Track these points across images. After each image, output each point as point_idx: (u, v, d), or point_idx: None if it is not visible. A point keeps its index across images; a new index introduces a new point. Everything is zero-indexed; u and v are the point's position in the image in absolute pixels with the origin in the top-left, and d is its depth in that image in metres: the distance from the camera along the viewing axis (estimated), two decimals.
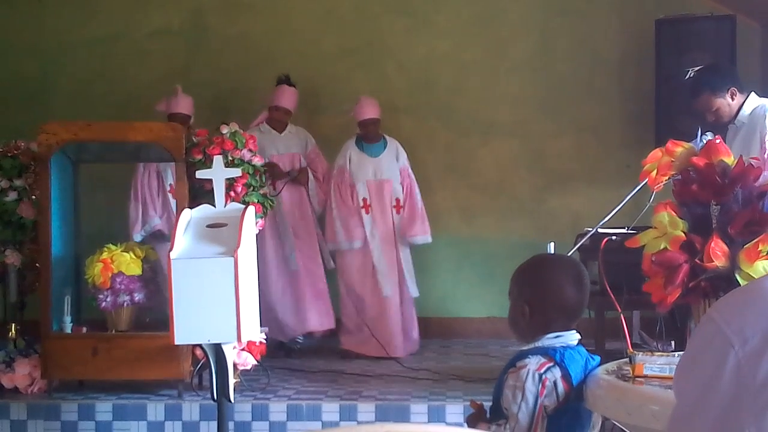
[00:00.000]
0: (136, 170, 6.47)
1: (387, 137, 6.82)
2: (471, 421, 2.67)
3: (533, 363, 2.52)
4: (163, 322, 4.30)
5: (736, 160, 2.60)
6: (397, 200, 6.71)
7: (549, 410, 2.50)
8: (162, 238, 6.16)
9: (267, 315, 5.94)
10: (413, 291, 6.70)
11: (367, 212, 6.63)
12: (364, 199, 6.64)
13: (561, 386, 2.51)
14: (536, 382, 2.49)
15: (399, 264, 6.65)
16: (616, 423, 2.73)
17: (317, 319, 6.65)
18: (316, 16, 7.63)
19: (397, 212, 6.70)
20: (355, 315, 6.56)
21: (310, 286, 6.66)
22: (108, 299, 5.18)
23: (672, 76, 6.63)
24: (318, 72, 7.49)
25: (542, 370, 2.51)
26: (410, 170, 6.81)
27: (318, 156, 6.87)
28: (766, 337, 0.97)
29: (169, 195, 6.33)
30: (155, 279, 5.40)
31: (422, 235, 6.76)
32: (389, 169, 6.72)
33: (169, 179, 6.32)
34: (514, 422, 2.48)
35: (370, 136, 6.71)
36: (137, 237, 6.23)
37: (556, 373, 2.52)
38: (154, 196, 6.44)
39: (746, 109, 4.83)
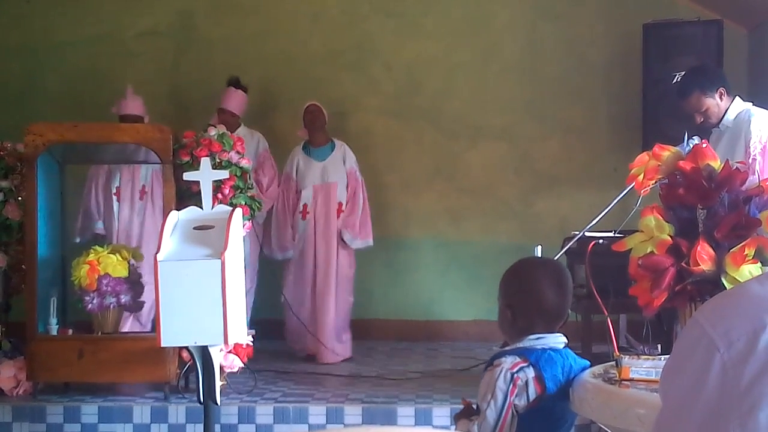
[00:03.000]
0: (88, 172, 6.46)
1: (335, 140, 6.77)
2: (457, 417, 2.72)
3: (507, 362, 2.55)
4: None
5: (722, 165, 2.61)
6: (340, 204, 6.65)
7: (519, 409, 2.52)
8: (101, 241, 6.12)
9: None
10: (347, 296, 6.63)
11: (304, 218, 6.60)
12: (305, 205, 6.61)
13: (533, 387, 2.53)
14: (507, 381, 2.51)
15: (337, 268, 6.58)
16: (602, 426, 2.73)
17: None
18: (305, 17, 7.63)
19: (338, 217, 6.64)
20: (295, 320, 6.55)
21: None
22: (94, 301, 5.15)
23: (659, 80, 6.67)
24: (305, 74, 7.49)
25: (515, 370, 2.53)
26: (358, 172, 6.75)
27: (267, 159, 6.82)
28: (751, 341, 0.97)
29: (114, 198, 6.35)
30: (141, 281, 5.39)
31: (362, 238, 6.68)
32: (335, 172, 6.67)
33: (116, 182, 6.33)
34: (482, 419, 2.50)
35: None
36: (76, 240, 6.25)
37: (529, 373, 2.53)
38: (99, 200, 6.43)
39: (731, 114, 4.84)
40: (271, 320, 6.60)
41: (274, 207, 6.70)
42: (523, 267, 2.80)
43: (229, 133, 5.52)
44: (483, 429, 2.48)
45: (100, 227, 6.42)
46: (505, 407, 2.49)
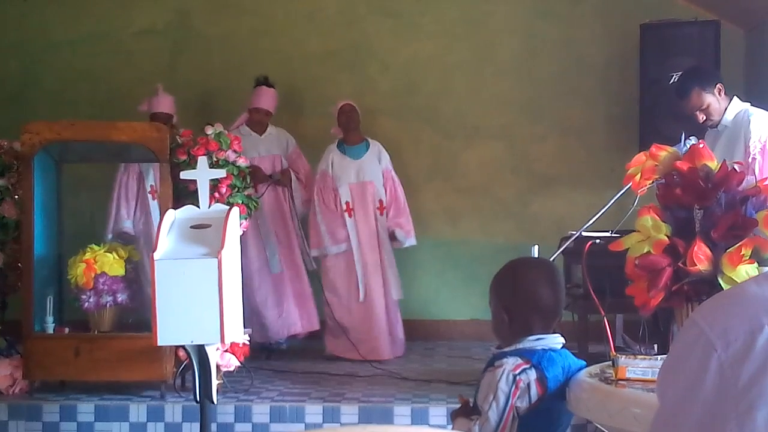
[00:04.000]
0: (117, 171, 6.45)
1: (369, 139, 6.82)
2: (453, 415, 2.71)
3: (509, 364, 2.55)
4: (146, 323, 4.28)
5: (719, 165, 2.61)
6: (380, 202, 6.70)
7: (521, 411, 2.51)
8: (130, 240, 6.11)
9: (250, 317, 5.94)
10: (396, 294, 6.69)
11: (350, 216, 6.62)
12: (347, 203, 6.63)
13: (535, 388, 2.53)
14: (510, 382, 2.51)
15: (383, 266, 6.64)
16: (599, 425, 2.74)
17: (300, 321, 6.65)
18: (301, 17, 7.62)
19: (381, 214, 6.69)
20: (333, 319, 6.55)
21: (292, 288, 6.65)
22: (91, 300, 5.16)
23: (656, 81, 6.67)
24: (302, 73, 7.49)
25: (517, 371, 2.52)
26: (393, 172, 6.81)
27: (299, 157, 6.87)
28: (748, 341, 0.97)
29: (149, 196, 6.31)
30: (138, 279, 5.38)
31: (408, 235, 6.75)
32: (371, 171, 6.71)
33: (150, 180, 6.29)
34: (484, 420, 2.50)
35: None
36: (108, 237, 6.21)
37: (531, 375, 2.53)
38: (129, 198, 6.42)
39: (729, 114, 4.85)
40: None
41: (316, 204, 6.68)
42: (517, 269, 2.79)
43: (227, 132, 5.51)
44: (485, 430, 2.48)
45: (128, 226, 6.39)
46: (507, 409, 2.49)
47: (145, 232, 6.24)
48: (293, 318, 6.62)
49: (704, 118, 4.83)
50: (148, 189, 6.34)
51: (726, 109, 4.84)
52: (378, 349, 6.47)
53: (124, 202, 6.40)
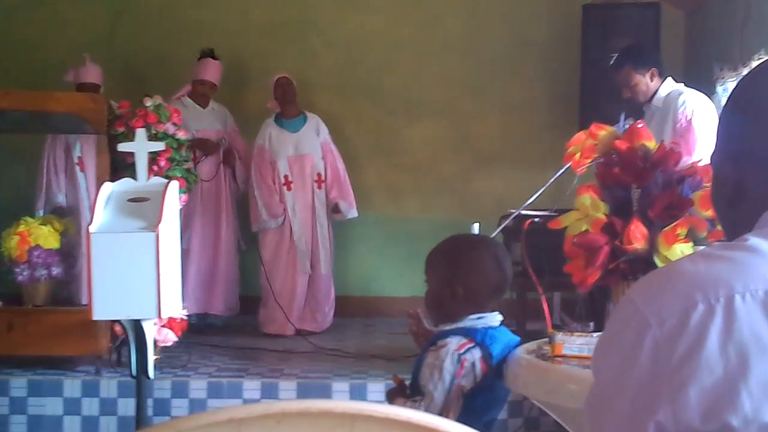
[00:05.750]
0: (44, 142, 6.24)
1: (307, 112, 6.78)
2: (390, 396, 2.68)
3: (453, 343, 2.53)
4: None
5: (657, 145, 2.64)
6: (318, 175, 6.67)
7: (465, 390, 2.52)
8: (65, 213, 5.98)
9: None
10: (324, 268, 6.65)
11: (289, 189, 6.59)
12: (286, 176, 6.59)
13: (479, 366, 2.53)
14: (455, 362, 2.50)
15: (315, 240, 6.62)
16: (535, 401, 2.76)
17: (219, 302, 6.61)
18: None
19: (319, 187, 6.67)
20: (271, 294, 6.53)
21: (212, 268, 6.60)
22: (25, 273, 5.07)
23: (597, 61, 6.72)
24: (245, 46, 7.41)
25: (462, 351, 2.52)
26: (332, 144, 6.78)
27: (238, 135, 6.85)
28: (682, 319, 0.98)
29: (77, 168, 6.14)
30: (73, 253, 5.29)
31: (351, 207, 6.76)
32: (310, 144, 6.67)
33: (78, 152, 6.13)
34: (429, 400, 2.49)
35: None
36: (39, 213, 6.05)
37: (476, 353, 2.53)
38: (59, 171, 6.24)
39: (662, 93, 4.97)
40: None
41: (254, 178, 6.61)
42: (467, 244, 2.77)
43: (166, 105, 5.42)
44: (430, 410, 2.48)
45: (62, 200, 6.23)
46: (453, 388, 2.49)
47: (73, 205, 6.11)
48: (212, 298, 6.58)
49: (629, 95, 4.95)
50: (75, 161, 6.20)
51: (658, 90, 4.95)
52: (300, 321, 6.49)
53: (53, 175, 6.24)
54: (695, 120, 4.75)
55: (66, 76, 6.33)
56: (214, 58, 6.69)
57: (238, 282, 6.76)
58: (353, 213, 6.79)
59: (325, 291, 6.71)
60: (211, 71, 6.68)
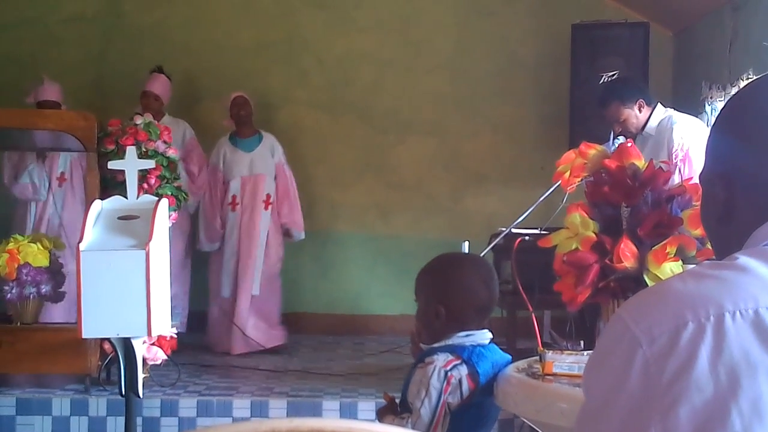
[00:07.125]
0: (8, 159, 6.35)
1: (263, 132, 6.76)
2: (380, 414, 2.68)
3: (440, 360, 2.54)
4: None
5: (646, 164, 2.65)
6: (268, 195, 6.63)
7: (453, 407, 2.51)
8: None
9: None
10: (255, 289, 6.52)
11: (234, 209, 6.57)
12: (233, 197, 6.58)
13: (466, 384, 2.53)
14: (441, 379, 2.51)
15: (252, 261, 6.53)
16: (526, 420, 2.76)
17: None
18: (235, 7, 7.55)
19: (266, 208, 6.60)
20: (218, 314, 6.49)
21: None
22: (13, 291, 5.04)
23: (586, 80, 6.77)
24: (235, 65, 7.42)
25: (448, 368, 2.52)
26: (287, 166, 6.76)
27: (196, 147, 6.77)
28: (672, 338, 0.98)
29: (56, 183, 6.25)
30: (62, 271, 5.27)
31: (301, 230, 6.76)
32: (264, 164, 6.65)
33: (61, 168, 6.25)
34: (416, 417, 2.49)
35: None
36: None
37: (463, 370, 2.53)
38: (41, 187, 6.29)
39: (653, 121, 4.98)
40: (198, 313, 6.57)
41: (204, 199, 6.62)
42: (452, 263, 2.78)
43: (156, 122, 5.43)
44: (417, 427, 2.48)
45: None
46: (439, 405, 2.49)
47: (56, 222, 6.14)
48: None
49: (620, 130, 4.96)
50: (58, 176, 6.21)
51: (649, 118, 4.96)
52: (245, 339, 6.41)
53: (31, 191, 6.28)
54: (692, 152, 4.76)
55: (27, 97, 6.31)
56: (164, 74, 6.65)
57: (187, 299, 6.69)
58: (301, 235, 6.79)
59: (267, 310, 6.60)
60: (157, 84, 6.62)
